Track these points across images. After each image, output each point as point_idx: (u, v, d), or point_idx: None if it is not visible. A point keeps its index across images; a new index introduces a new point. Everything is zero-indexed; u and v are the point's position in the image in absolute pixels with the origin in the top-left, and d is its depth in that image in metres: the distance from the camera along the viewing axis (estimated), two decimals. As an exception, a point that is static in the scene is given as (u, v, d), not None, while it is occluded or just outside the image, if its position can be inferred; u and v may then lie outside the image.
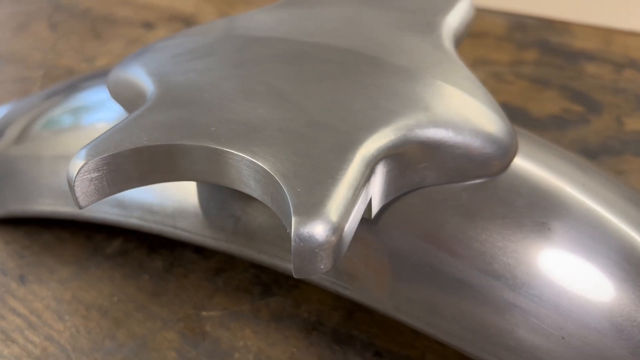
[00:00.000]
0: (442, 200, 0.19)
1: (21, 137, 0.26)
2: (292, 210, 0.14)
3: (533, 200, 0.19)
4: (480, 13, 0.43)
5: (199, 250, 0.25)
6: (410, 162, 0.18)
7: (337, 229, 0.14)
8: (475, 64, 0.38)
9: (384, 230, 0.19)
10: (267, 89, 0.19)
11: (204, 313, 0.23)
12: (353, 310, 0.23)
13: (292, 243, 0.14)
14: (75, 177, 0.16)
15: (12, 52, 0.40)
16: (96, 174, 0.16)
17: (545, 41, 0.40)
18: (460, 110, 0.19)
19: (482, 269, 0.18)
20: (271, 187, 0.16)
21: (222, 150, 0.16)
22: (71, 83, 0.29)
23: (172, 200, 0.21)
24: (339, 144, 0.16)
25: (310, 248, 0.14)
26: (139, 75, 0.21)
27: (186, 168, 0.17)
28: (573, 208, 0.19)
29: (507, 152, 0.19)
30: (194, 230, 0.21)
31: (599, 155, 0.31)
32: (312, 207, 0.14)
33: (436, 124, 0.18)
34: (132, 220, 0.22)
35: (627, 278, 0.18)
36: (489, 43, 0.40)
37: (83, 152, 0.16)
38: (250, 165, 0.16)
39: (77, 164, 0.16)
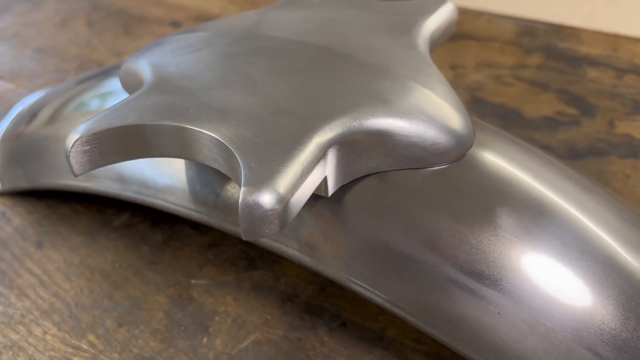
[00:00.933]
0: (397, 184, 0.21)
1: (52, 119, 0.30)
2: (242, 181, 0.16)
3: (482, 188, 0.21)
4: (491, 18, 0.45)
5: (196, 227, 0.28)
6: (366, 149, 0.20)
7: (282, 200, 0.16)
8: (478, 66, 0.39)
9: (342, 209, 0.21)
10: (245, 79, 0.21)
11: (192, 281, 0.25)
12: (326, 285, 0.25)
13: (239, 209, 0.16)
14: (70, 149, 0.19)
15: (52, 46, 0.44)
16: (88, 147, 0.19)
17: (551, 46, 0.41)
18: (418, 104, 0.20)
19: (427, 246, 0.20)
20: (234, 164, 0.18)
21: (196, 130, 0.19)
22: (98, 72, 0.32)
23: (164, 177, 0.24)
24: (297, 129, 0.18)
25: (255, 214, 0.16)
26: (141, 66, 0.23)
27: (166, 145, 0.19)
28: (520, 196, 0.20)
29: (461, 144, 0.21)
30: (181, 204, 0.23)
31: (584, 156, 0.32)
32: (260, 179, 0.16)
33: (391, 115, 0.20)
34: (129, 193, 0.24)
35: (563, 259, 0.19)
36: (495, 46, 0.41)
37: (79, 128, 0.19)
38: (218, 144, 0.18)
39: (72, 137, 0.19)
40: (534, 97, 0.36)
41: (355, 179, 0.21)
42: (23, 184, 0.29)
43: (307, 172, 0.17)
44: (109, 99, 0.29)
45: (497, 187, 0.21)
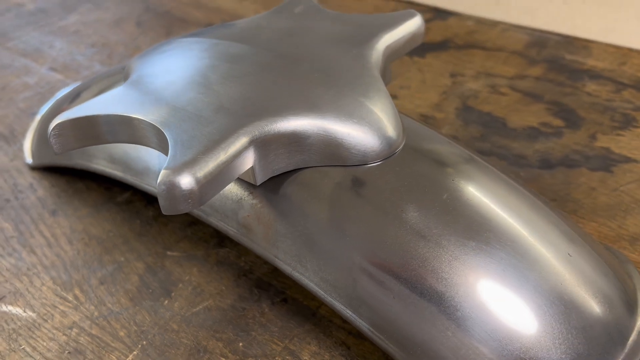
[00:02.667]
0: (321, 178, 0.23)
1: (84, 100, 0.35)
2: (165, 164, 0.20)
3: (395, 187, 0.23)
4: (506, 28, 0.46)
5: (183, 207, 0.32)
6: (294, 146, 0.23)
7: (196, 182, 0.20)
8: (478, 75, 0.41)
9: (273, 197, 0.24)
10: (203, 80, 0.25)
11: (168, 252, 0.30)
12: (278, 266, 0.28)
13: (157, 188, 0.20)
14: (50, 134, 0.23)
15: (103, 43, 0.50)
16: (60, 133, 0.23)
17: (558, 58, 0.42)
18: (345, 109, 0.23)
19: (337, 233, 0.22)
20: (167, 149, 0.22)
21: (139, 119, 0.22)
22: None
23: (142, 160, 0.28)
24: (227, 125, 0.22)
25: (171, 193, 0.20)
26: (133, 64, 0.28)
27: (118, 132, 0.23)
28: (431, 194, 0.23)
29: (385, 146, 0.23)
30: (150, 184, 0.27)
31: (556, 166, 0.32)
32: (178, 164, 0.20)
33: (317, 119, 0.23)
34: (117, 172, 0.29)
35: (460, 254, 0.21)
36: (501, 57, 0.42)
37: (58, 116, 0.23)
38: (157, 132, 0.22)
39: (51, 125, 0.23)
40: (523, 107, 0.37)
41: (288, 171, 0.24)
42: (50, 161, 0.35)
43: (226, 162, 0.21)
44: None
45: (411, 185, 0.23)
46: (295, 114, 0.23)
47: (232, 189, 0.25)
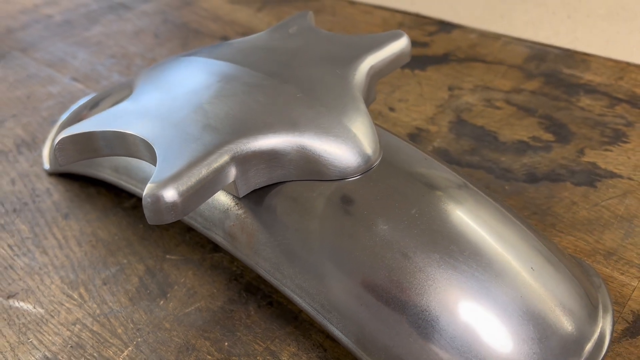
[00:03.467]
0: (301, 192, 0.25)
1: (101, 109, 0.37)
2: (151, 178, 0.22)
3: (368, 201, 0.24)
4: (508, 41, 0.47)
5: (184, 214, 0.34)
6: (274, 162, 0.25)
7: (179, 196, 0.22)
8: (475, 89, 0.42)
9: (256, 208, 0.26)
10: (195, 99, 0.27)
11: (167, 256, 0.32)
12: (266, 271, 0.30)
13: (143, 200, 0.22)
14: (55, 147, 0.25)
15: (123, 54, 0.53)
16: (64, 147, 0.25)
17: (556, 72, 0.42)
18: (324, 129, 0.25)
19: (312, 244, 0.24)
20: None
21: (132, 135, 0.24)
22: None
23: (142, 170, 0.30)
24: (211, 142, 0.24)
25: (155, 205, 0.22)
26: (137, 79, 0.30)
27: (114, 146, 0.25)
28: (402, 209, 0.24)
29: (362, 164, 0.25)
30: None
31: (540, 180, 0.33)
32: (163, 179, 0.22)
33: (297, 137, 0.24)
34: (121, 181, 0.31)
35: (425, 264, 0.23)
36: (500, 70, 0.43)
37: (62, 132, 0.25)
38: (148, 147, 0.24)
39: (56, 139, 0.25)
40: (516, 121, 0.38)
41: (271, 185, 0.26)
42: (65, 168, 0.37)
43: (207, 177, 0.23)
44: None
45: (383, 200, 0.24)
46: (276, 132, 0.24)
47: (220, 200, 0.27)
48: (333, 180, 0.25)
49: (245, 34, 0.53)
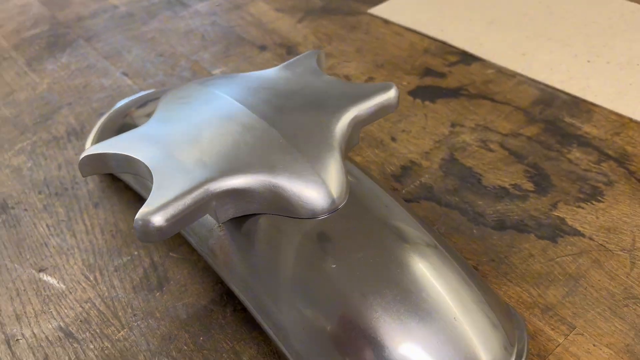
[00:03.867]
0: (272, 225, 0.30)
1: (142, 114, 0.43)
2: (144, 204, 0.27)
3: (323, 239, 0.29)
4: (522, 81, 0.49)
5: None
6: (249, 198, 0.29)
7: (164, 221, 0.27)
8: (476, 128, 0.44)
9: (232, 232, 0.30)
10: (197, 133, 0.32)
11: (170, 253, 0.37)
12: (247, 280, 0.35)
13: (134, 223, 0.27)
14: (80, 162, 0.31)
15: (171, 54, 0.58)
16: (86, 162, 0.31)
17: (557, 119, 0.44)
18: (296, 174, 0.29)
19: (272, 271, 0.29)
20: (156, 189, 0.29)
21: (135, 159, 0.30)
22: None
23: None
24: (199, 178, 0.29)
25: (143, 227, 0.27)
26: (158, 104, 0.35)
27: (122, 166, 0.31)
28: (351, 250, 0.28)
29: (326, 206, 0.29)
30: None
31: (507, 229, 0.36)
32: (153, 207, 0.27)
33: (272, 178, 0.29)
34: (137, 188, 0.37)
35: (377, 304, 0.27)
36: (505, 111, 0.46)
37: (85, 151, 0.31)
38: (148, 171, 0.29)
39: (80, 156, 0.31)
40: (504, 166, 0.41)
41: (251, 219, 0.30)
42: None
43: (191, 207, 0.28)
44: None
45: (336, 240, 0.29)
46: (254, 173, 0.29)
47: (207, 220, 0.32)
48: (303, 218, 0.30)
49: (281, 44, 0.57)
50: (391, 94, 0.34)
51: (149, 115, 0.40)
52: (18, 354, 0.33)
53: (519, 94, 0.48)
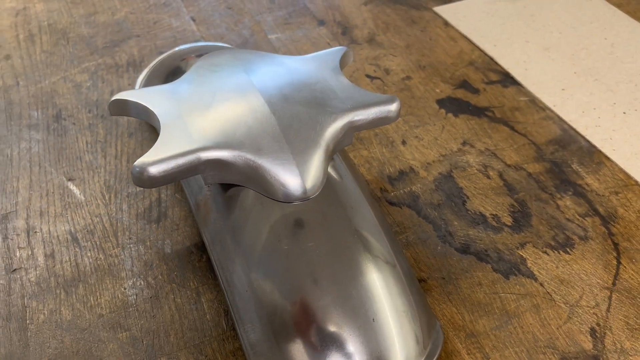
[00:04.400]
0: (250, 199, 0.34)
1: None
2: (145, 154, 0.32)
3: (287, 223, 0.33)
4: (549, 116, 0.50)
5: (204, 167, 0.45)
6: (233, 170, 0.34)
7: (156, 173, 0.32)
8: (484, 151, 0.46)
9: (218, 195, 0.35)
10: (210, 101, 0.36)
11: (176, 195, 0.43)
12: (229, 235, 0.40)
13: (132, 169, 0.32)
14: (109, 104, 0.36)
15: (239, 9, 0.62)
16: (113, 104, 0.36)
17: (565, 163, 0.45)
18: (279, 161, 0.33)
19: (237, 239, 0.33)
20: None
21: (155, 115, 0.35)
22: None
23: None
24: (194, 143, 0.33)
25: (137, 175, 0.32)
26: (192, 65, 0.40)
27: (146, 117, 0.36)
28: (304, 238, 0.32)
29: (299, 195, 0.33)
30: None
31: (469, 254, 0.39)
32: (149, 159, 0.32)
33: (256, 159, 0.33)
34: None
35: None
36: (519, 142, 0.47)
37: (117, 94, 0.36)
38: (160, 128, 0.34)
39: (112, 97, 0.36)
40: (493, 195, 0.43)
41: (233, 188, 0.35)
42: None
43: (181, 167, 0.33)
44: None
45: (296, 227, 0.33)
46: (242, 151, 0.33)
47: (201, 179, 0.37)
48: (277, 201, 0.34)
49: (340, 23, 0.60)
50: (392, 108, 0.37)
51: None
52: (32, 244, 0.40)
53: (540, 129, 0.49)
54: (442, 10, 0.62)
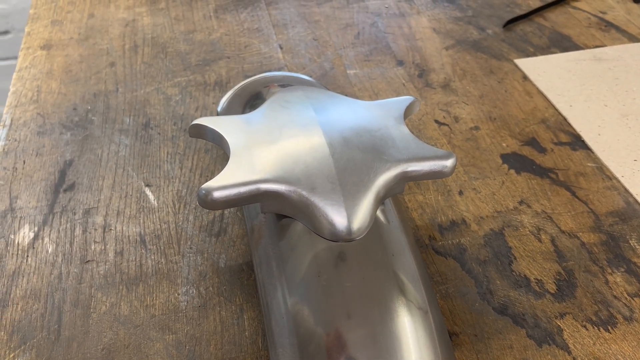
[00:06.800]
0: (300, 232, 0.37)
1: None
2: (212, 179, 0.36)
3: (330, 262, 0.35)
4: (614, 186, 0.49)
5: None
6: (287, 204, 0.36)
7: (219, 198, 0.35)
8: (540, 213, 0.46)
9: (272, 223, 0.38)
10: (277, 136, 0.39)
11: (238, 213, 0.46)
12: (278, 259, 0.43)
13: (198, 191, 0.36)
14: (189, 126, 0.40)
15: (324, 42, 0.65)
16: (193, 127, 0.40)
17: (622, 238, 0.45)
18: (330, 201, 0.36)
19: (281, 270, 0.36)
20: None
21: (228, 145, 0.38)
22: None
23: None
24: (257, 175, 0.36)
25: (202, 197, 0.35)
26: (269, 99, 0.43)
27: (219, 144, 0.39)
28: (344, 279, 0.35)
29: (345, 235, 0.35)
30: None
31: (506, 315, 0.40)
32: (215, 184, 0.36)
33: (309, 196, 0.36)
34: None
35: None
36: (577, 209, 0.47)
37: (198, 119, 0.40)
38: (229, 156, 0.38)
39: (192, 122, 0.40)
40: (541, 260, 0.43)
41: (286, 219, 0.38)
42: (225, 117, 0.53)
43: (242, 195, 0.36)
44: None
45: (344, 266, 0.35)
46: (297, 187, 0.36)
47: (259, 207, 0.40)
48: (323, 238, 0.36)
49: (418, 65, 0.62)
50: (447, 163, 0.39)
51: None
52: (106, 240, 0.44)
53: (603, 198, 0.48)
54: (523, 63, 0.63)
